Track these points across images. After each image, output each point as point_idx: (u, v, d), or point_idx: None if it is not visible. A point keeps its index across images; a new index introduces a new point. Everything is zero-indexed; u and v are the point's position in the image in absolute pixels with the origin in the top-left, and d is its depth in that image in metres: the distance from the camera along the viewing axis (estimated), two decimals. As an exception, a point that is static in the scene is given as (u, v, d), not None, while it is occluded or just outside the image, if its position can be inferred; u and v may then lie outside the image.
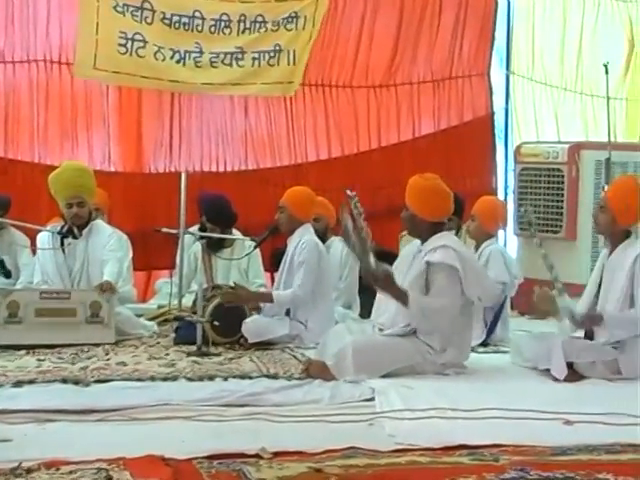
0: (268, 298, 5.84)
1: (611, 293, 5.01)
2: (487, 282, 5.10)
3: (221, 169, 7.82)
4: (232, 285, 6.10)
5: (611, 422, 3.97)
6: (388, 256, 7.29)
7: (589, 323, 4.95)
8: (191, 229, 6.70)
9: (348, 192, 5.05)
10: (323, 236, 6.46)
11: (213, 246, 6.71)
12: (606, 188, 6.66)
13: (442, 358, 4.87)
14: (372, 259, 4.73)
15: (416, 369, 4.84)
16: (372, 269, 4.74)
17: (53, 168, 6.36)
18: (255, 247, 6.34)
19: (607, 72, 7.01)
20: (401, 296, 4.77)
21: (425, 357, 4.85)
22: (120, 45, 6.98)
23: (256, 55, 7.43)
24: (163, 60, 7.11)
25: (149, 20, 7.06)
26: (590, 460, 3.47)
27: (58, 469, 3.22)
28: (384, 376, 4.71)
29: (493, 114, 8.61)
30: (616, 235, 5.09)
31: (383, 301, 5.03)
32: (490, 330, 5.98)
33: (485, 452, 3.55)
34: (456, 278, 4.83)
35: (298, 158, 8.01)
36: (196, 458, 3.38)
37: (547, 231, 7.48)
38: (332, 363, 4.74)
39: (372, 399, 4.35)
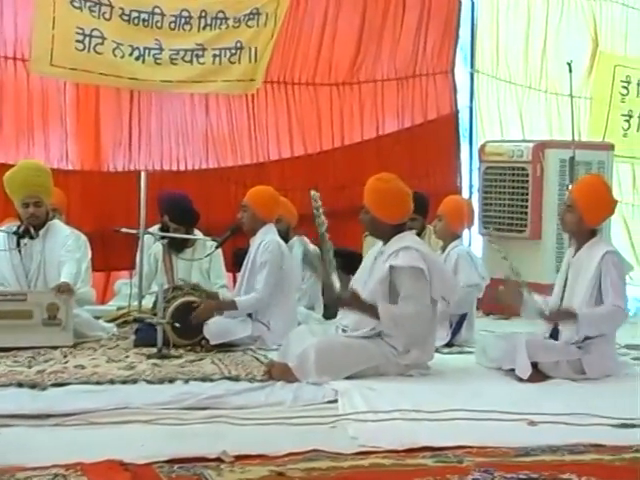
0: (232, 306, 5.82)
1: (576, 292, 5.06)
2: (451, 281, 5.13)
3: (181, 168, 7.79)
4: (194, 287, 6.09)
5: (574, 422, 4.02)
6: (352, 256, 7.36)
7: (561, 318, 4.97)
8: (151, 229, 6.66)
9: (312, 192, 5.07)
10: (285, 236, 6.46)
11: (175, 246, 6.69)
12: (570, 187, 6.74)
13: (406, 359, 4.89)
14: (336, 280, 4.76)
15: (380, 370, 4.86)
16: (336, 293, 4.77)
17: (9, 167, 6.30)
18: (217, 247, 6.33)
19: (571, 71, 7.08)
20: (370, 311, 4.81)
21: (389, 358, 4.87)
22: (77, 41, 6.93)
23: (217, 52, 7.42)
24: (122, 57, 7.08)
25: (107, 16, 7.02)
26: (553, 461, 3.51)
27: (13, 475, 3.20)
28: (347, 378, 4.73)
29: (457, 112, 8.67)
30: (582, 234, 5.15)
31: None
32: (455, 331, 6.02)
33: (449, 454, 3.58)
34: (423, 279, 4.85)
35: (260, 157, 8.00)
36: (156, 462, 3.38)
37: (512, 230, 7.55)
38: (295, 365, 4.74)
39: (335, 401, 4.36)
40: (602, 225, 5.44)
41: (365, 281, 5.00)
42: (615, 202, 5.31)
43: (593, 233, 5.16)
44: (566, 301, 5.10)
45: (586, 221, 5.10)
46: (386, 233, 5.01)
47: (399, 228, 5.00)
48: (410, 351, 4.89)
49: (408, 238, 4.96)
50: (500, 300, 5.25)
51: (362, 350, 4.82)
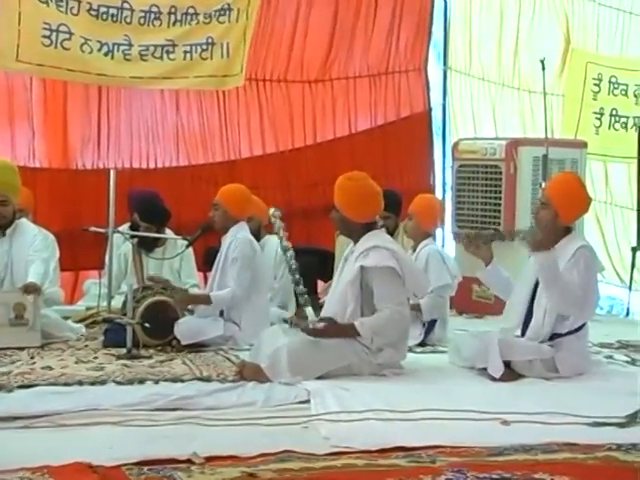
0: (206, 300, 5.81)
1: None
2: (421, 277, 5.15)
3: (151, 165, 7.77)
4: (164, 287, 6.06)
5: (548, 421, 4.04)
6: (324, 256, 7.37)
7: (539, 246, 4.95)
8: (121, 227, 6.63)
9: (271, 210, 5.10)
10: (257, 235, 6.45)
11: (145, 246, 6.66)
12: (543, 185, 6.78)
13: (379, 358, 4.90)
14: (310, 313, 4.79)
15: (353, 369, 4.86)
16: (310, 326, 4.79)
17: (-26, 165, 6.24)
18: (187, 246, 6.31)
19: (544, 68, 7.13)
20: (349, 332, 4.82)
21: (361, 357, 4.88)
22: (44, 37, 6.89)
23: (188, 48, 7.40)
24: (90, 52, 7.04)
25: (75, 11, 6.97)
26: (527, 460, 3.53)
27: (-21, 479, 3.17)
28: (320, 378, 4.73)
29: (430, 110, 8.70)
30: (556, 232, 5.16)
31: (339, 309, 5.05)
32: (428, 330, 6.03)
33: (422, 454, 3.58)
34: (396, 277, 4.86)
35: (231, 154, 7.99)
36: (125, 464, 3.36)
37: (485, 228, 7.58)
38: (266, 365, 4.74)
39: (307, 401, 4.36)
40: (575, 223, 5.46)
41: (337, 280, 5.01)
42: (590, 199, 5.34)
43: (567, 231, 5.19)
44: (537, 299, 5.10)
45: (561, 218, 5.12)
46: (356, 232, 5.01)
47: (369, 227, 5.01)
48: (383, 350, 4.90)
49: (378, 237, 4.97)
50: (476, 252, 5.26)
51: (334, 349, 4.82)
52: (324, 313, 5.04)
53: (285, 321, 5.77)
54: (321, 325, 4.81)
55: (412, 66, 8.56)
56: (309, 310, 4.88)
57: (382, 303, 4.84)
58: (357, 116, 8.40)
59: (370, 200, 5.04)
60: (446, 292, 6.08)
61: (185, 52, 7.38)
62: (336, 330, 4.84)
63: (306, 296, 4.87)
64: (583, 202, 5.28)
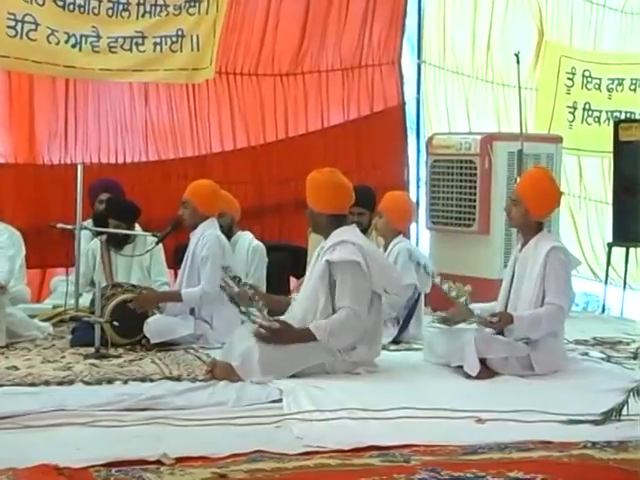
0: (176, 297, 5.79)
1: (523, 290, 5.12)
2: (393, 273, 5.14)
3: (120, 160, 7.71)
4: (133, 284, 6.03)
5: (523, 419, 4.06)
6: (297, 253, 7.36)
7: (500, 323, 5.02)
8: (85, 223, 6.59)
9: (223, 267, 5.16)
10: (228, 232, 6.42)
11: (115, 243, 6.61)
12: (518, 180, 6.80)
13: (352, 356, 4.90)
14: (264, 317, 4.75)
15: (326, 368, 4.86)
16: (262, 334, 4.74)
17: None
18: (157, 243, 6.27)
19: (518, 62, 7.15)
20: (304, 336, 4.79)
21: (335, 355, 4.87)
22: (9, 27, 6.82)
23: (157, 40, 7.36)
24: (57, 44, 6.97)
25: (40, 1, 6.91)
26: (501, 458, 3.54)
27: (-57, 483, 3.14)
28: (293, 376, 4.72)
29: (404, 104, 8.71)
30: (528, 228, 5.20)
31: (294, 302, 5.04)
32: (403, 327, 6.03)
33: (396, 453, 3.58)
34: (361, 273, 4.86)
35: (202, 149, 7.95)
36: (93, 466, 3.34)
37: (459, 225, 7.60)
38: (238, 364, 4.72)
39: (280, 400, 4.36)
40: (548, 218, 5.50)
41: (308, 278, 5.00)
42: (560, 194, 5.39)
43: (539, 227, 5.22)
44: (513, 299, 5.15)
45: (532, 214, 5.16)
46: (326, 227, 5.01)
47: (339, 222, 5.00)
48: (356, 348, 4.90)
49: (347, 232, 4.97)
50: (449, 319, 5.28)
51: (307, 348, 4.81)
52: (295, 310, 5.01)
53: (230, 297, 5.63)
54: (276, 325, 4.76)
55: (385, 59, 8.55)
56: (253, 311, 4.83)
57: (340, 302, 4.82)
58: (330, 110, 8.39)
59: (338, 191, 5.04)
60: (407, 291, 6.03)
61: (155, 44, 7.34)
62: (290, 335, 4.80)
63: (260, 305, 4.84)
64: (554, 197, 5.33)
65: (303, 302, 4.96)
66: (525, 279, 5.13)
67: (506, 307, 5.17)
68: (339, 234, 4.94)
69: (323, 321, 4.83)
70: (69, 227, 6.42)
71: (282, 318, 4.91)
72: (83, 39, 7.08)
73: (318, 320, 4.85)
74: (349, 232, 4.99)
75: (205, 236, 5.85)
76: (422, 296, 6.24)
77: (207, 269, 5.78)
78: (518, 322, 4.98)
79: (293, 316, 4.96)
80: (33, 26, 6.88)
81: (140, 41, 7.28)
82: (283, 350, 4.77)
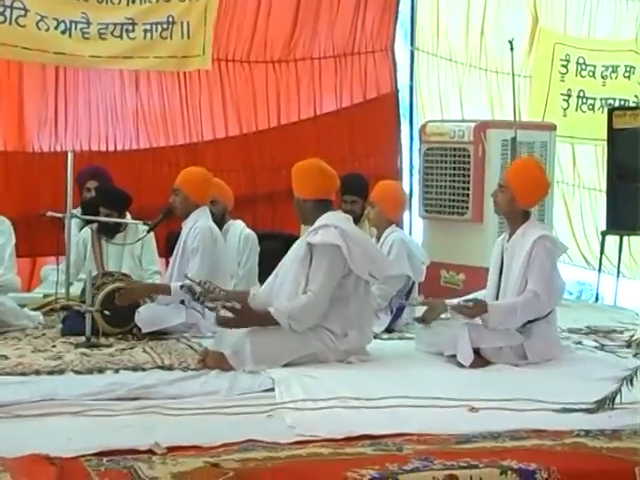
0: (165, 290, 5.78)
1: (510, 279, 5.12)
2: (378, 258, 5.14)
3: (111, 148, 7.70)
4: (124, 273, 6.02)
5: (516, 408, 4.07)
6: (289, 240, 7.32)
7: (474, 312, 5.01)
8: (75, 211, 6.58)
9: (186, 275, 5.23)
10: (220, 220, 6.42)
11: (105, 232, 6.59)
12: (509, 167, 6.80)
13: (344, 344, 4.90)
14: (220, 305, 4.76)
15: (319, 357, 4.87)
16: (220, 316, 4.77)
17: None
18: (148, 231, 6.26)
19: (512, 49, 7.14)
20: (264, 319, 4.78)
21: (327, 344, 4.88)
22: (-2, 13, 6.80)
23: (148, 27, 7.34)
24: (47, 30, 6.95)
25: (29, -13, 6.89)
26: (494, 447, 3.55)
27: None
28: (285, 365, 4.72)
29: (397, 91, 8.70)
30: (514, 216, 5.21)
31: (277, 286, 5.04)
32: (396, 316, 6.04)
33: (389, 442, 3.59)
34: (339, 257, 4.86)
35: (193, 137, 7.95)
36: (84, 456, 3.33)
37: (453, 213, 7.61)
38: (230, 353, 4.72)
39: (272, 389, 4.36)
40: (535, 207, 5.48)
41: (289, 263, 5.00)
42: (549, 185, 5.39)
43: (526, 216, 5.22)
44: (503, 288, 5.15)
45: (518, 202, 5.16)
46: (311, 213, 5.01)
47: (324, 207, 5.00)
48: (348, 334, 4.89)
49: (330, 217, 4.97)
50: (425, 319, 5.30)
51: (299, 337, 4.81)
52: (278, 294, 5.00)
53: (193, 294, 5.64)
54: (238, 305, 4.74)
55: (379, 46, 8.54)
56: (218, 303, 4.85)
57: (310, 285, 4.82)
58: (322, 98, 8.38)
59: (321, 176, 5.06)
60: (398, 282, 6.04)
61: (145, 31, 7.32)
62: (249, 318, 4.80)
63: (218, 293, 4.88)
64: (541, 186, 5.34)
65: (287, 286, 4.95)
66: (512, 271, 5.12)
67: (497, 298, 5.17)
68: (324, 219, 4.96)
69: (283, 305, 4.84)
70: (59, 215, 6.40)
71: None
72: (73, 25, 7.05)
73: (280, 303, 4.86)
74: (334, 217, 5.00)
75: (197, 227, 5.83)
76: (416, 285, 6.24)
77: (196, 260, 5.77)
78: (492, 311, 4.97)
79: (278, 301, 4.94)
80: (22, 12, 6.86)
81: (130, 28, 7.27)
82: (275, 340, 4.76)
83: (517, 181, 5.19)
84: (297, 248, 5.05)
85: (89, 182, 6.90)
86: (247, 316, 4.80)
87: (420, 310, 5.48)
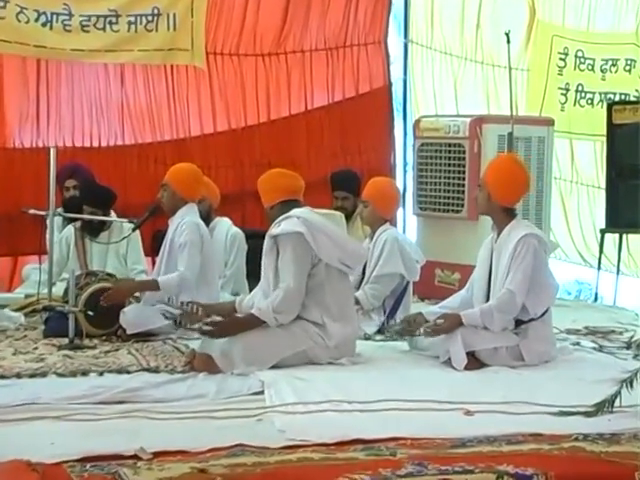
0: (153, 285, 5.78)
1: (499, 279, 5.11)
2: (350, 246, 5.14)
3: (95, 144, 7.69)
4: (109, 273, 6.01)
5: (512, 411, 4.08)
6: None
7: (448, 327, 4.99)
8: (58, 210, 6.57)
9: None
10: (207, 218, 6.42)
11: (90, 230, 6.58)
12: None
13: (332, 338, 4.91)
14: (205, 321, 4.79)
15: (309, 355, 4.89)
16: (206, 329, 4.79)
17: None
18: (134, 229, 6.25)
19: (509, 41, 7.14)
20: (251, 322, 4.83)
21: (316, 341, 4.90)
22: (-24, 5, 6.78)
23: (132, 19, 7.34)
24: (27, 22, 6.94)
25: (9, -23, 6.88)
26: (490, 452, 3.55)
27: None
28: (275, 367, 4.73)
29: (391, 85, 8.70)
30: (497, 215, 5.21)
31: (264, 286, 5.06)
32: (389, 316, 6.04)
33: (382, 446, 3.59)
34: (303, 243, 4.89)
35: (180, 132, 7.94)
36: (67, 461, 3.33)
37: (448, 211, 7.61)
38: (218, 355, 4.73)
39: (261, 392, 4.37)
40: (518, 204, 5.46)
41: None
42: (527, 179, 5.37)
43: (510, 214, 5.22)
44: (492, 291, 5.13)
45: (495, 199, 5.16)
46: (277, 217, 5.05)
47: (290, 207, 5.04)
48: (330, 325, 4.89)
49: (296, 210, 5.04)
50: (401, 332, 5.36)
51: (287, 335, 4.83)
52: (258, 296, 5.03)
53: (174, 320, 5.71)
54: (217, 320, 4.79)
55: (371, 39, 8.54)
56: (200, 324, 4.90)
57: (282, 277, 4.87)
58: (313, 92, 8.38)
59: (280, 178, 5.19)
60: (391, 281, 6.04)
61: (129, 23, 7.31)
62: (237, 324, 4.86)
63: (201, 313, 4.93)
64: (518, 183, 5.32)
65: (263, 284, 5.04)
66: (499, 272, 5.11)
67: (487, 301, 5.16)
68: (289, 213, 5.01)
69: (264, 302, 4.87)
70: (42, 213, 6.38)
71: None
72: (54, 17, 7.04)
73: (259, 302, 4.90)
74: (298, 210, 5.05)
75: (184, 223, 5.84)
76: (410, 284, 6.25)
77: (185, 254, 5.77)
78: (468, 320, 4.97)
79: (261, 293, 5.01)
80: (2, 3, 6.85)
81: (114, 20, 7.26)
82: (264, 339, 4.78)
83: (492, 178, 5.23)
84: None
85: (67, 181, 6.89)
86: (232, 325, 4.85)
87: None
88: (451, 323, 4.99)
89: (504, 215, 5.20)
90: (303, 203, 5.16)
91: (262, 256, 5.11)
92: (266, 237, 5.06)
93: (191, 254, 5.76)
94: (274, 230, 4.98)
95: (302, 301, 4.91)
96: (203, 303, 5.21)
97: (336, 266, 5.00)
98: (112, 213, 6.69)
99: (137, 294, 5.87)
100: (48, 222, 6.33)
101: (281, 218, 5.00)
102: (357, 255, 5.19)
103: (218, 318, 4.85)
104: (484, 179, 5.29)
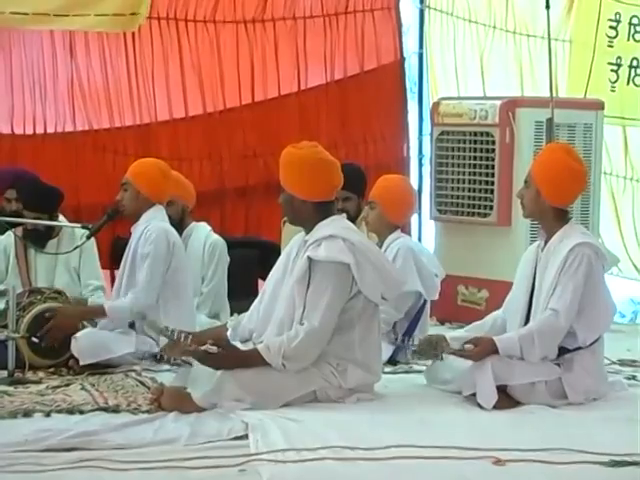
0: (100, 312, 5.81)
1: (544, 297, 5.13)
2: (392, 275, 5.14)
3: (39, 131, 7.74)
4: (58, 290, 6.04)
5: (551, 460, 4.10)
6: (267, 248, 7.39)
7: (483, 353, 5.02)
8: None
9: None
10: (179, 223, 6.46)
11: (35, 239, 6.57)
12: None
13: (348, 382, 4.92)
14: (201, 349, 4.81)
15: (317, 396, 4.90)
16: (203, 354, 4.78)
17: None
18: (89, 237, 6.26)
19: (548, 6, 7.20)
20: (252, 360, 4.80)
21: (330, 381, 4.90)
22: None
23: (88, -23, 7.36)
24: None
25: None
26: (526, 509, 3.60)
27: None
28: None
29: (403, 60, 8.75)
30: (546, 218, 5.22)
31: (260, 306, 5.08)
32: (404, 341, 6.05)
33: (392, 502, 3.63)
34: (346, 278, 4.89)
35: (144, 117, 7.99)
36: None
37: (473, 214, 7.65)
38: (210, 390, 4.73)
39: (245, 437, 4.39)
40: (572, 206, 5.50)
41: (279, 280, 5.04)
42: (585, 173, 5.37)
43: (564, 217, 5.25)
44: (534, 312, 5.15)
45: (546, 199, 5.18)
46: (308, 217, 5.02)
47: (325, 211, 5.02)
48: (347, 369, 4.91)
49: (336, 224, 4.98)
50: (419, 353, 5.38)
51: (297, 373, 4.81)
52: (260, 320, 5.04)
53: (154, 356, 5.76)
54: (213, 349, 4.78)
55: (379, 4, 8.60)
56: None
57: (310, 314, 4.82)
58: (308, 68, 8.43)
59: (325, 172, 5.05)
60: (405, 301, 6.07)
61: (85, -18, 7.34)
62: (236, 359, 4.83)
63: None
64: (574, 178, 5.28)
65: (277, 313, 4.98)
66: (543, 287, 5.13)
67: (527, 323, 5.19)
68: (326, 226, 4.96)
69: (276, 341, 4.83)
70: (-25, 218, 6.42)
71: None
72: (-9, -25, 7.08)
73: (270, 339, 4.88)
74: (339, 223, 5.01)
75: (150, 229, 5.87)
76: (428, 304, 6.28)
77: (143, 272, 5.80)
78: (504, 346, 4.98)
79: (267, 334, 4.98)
80: None
81: (65, -22, 7.29)
82: (267, 377, 4.77)
83: (543, 173, 5.22)
84: (286, 261, 5.08)
85: (8, 191, 6.87)
86: (229, 358, 4.82)
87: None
88: (483, 349, 5.00)
89: (555, 218, 5.21)
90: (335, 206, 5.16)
91: (271, 272, 5.10)
92: (290, 251, 5.03)
93: (151, 271, 5.80)
94: (314, 252, 4.89)
95: (323, 349, 4.88)
96: (191, 331, 5.16)
97: (375, 300, 5.02)
98: (61, 217, 6.71)
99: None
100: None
101: (321, 236, 4.92)
102: (397, 284, 5.18)
103: (214, 348, 4.79)
104: (532, 174, 5.26)
